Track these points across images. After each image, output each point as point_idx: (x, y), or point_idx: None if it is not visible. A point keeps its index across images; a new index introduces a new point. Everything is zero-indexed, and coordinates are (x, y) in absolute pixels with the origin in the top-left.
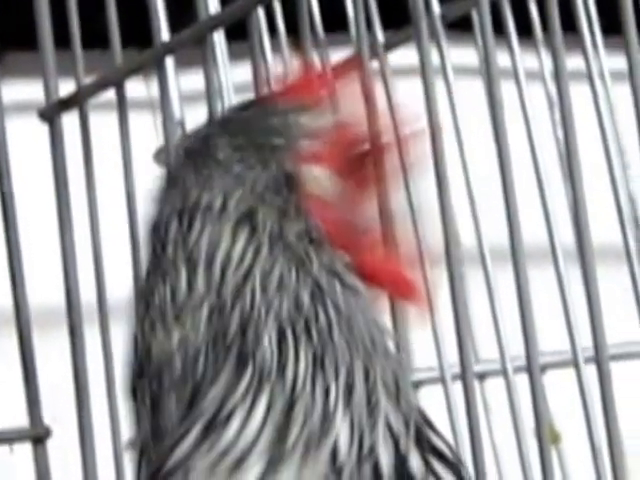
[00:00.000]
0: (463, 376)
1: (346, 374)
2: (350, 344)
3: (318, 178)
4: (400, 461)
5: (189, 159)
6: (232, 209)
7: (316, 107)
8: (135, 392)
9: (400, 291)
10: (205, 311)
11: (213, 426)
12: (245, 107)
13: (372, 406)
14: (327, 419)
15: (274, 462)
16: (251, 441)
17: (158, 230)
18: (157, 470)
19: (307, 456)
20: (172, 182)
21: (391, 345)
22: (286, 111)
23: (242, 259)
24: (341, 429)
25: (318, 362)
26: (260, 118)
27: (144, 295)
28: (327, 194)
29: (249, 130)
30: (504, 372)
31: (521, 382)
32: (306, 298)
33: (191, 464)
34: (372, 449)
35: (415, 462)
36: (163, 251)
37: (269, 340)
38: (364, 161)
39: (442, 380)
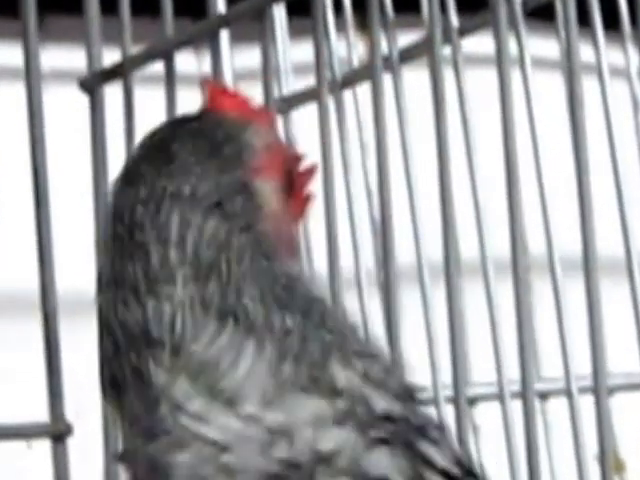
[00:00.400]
0: (523, 394)
1: (334, 323)
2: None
3: (265, 190)
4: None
5: (147, 158)
6: (201, 197)
7: (256, 125)
8: (114, 380)
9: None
10: (180, 280)
11: (200, 371)
12: (191, 118)
13: (367, 347)
14: (324, 355)
15: (271, 395)
16: (242, 378)
17: (121, 218)
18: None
19: (306, 388)
20: (131, 178)
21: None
22: (234, 124)
23: (215, 235)
24: (335, 369)
25: (304, 315)
26: (211, 129)
27: (113, 281)
28: (273, 205)
29: (201, 138)
30: (568, 392)
31: (586, 404)
32: (281, 280)
33: (182, 408)
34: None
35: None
36: (130, 236)
37: (251, 298)
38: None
39: (500, 397)
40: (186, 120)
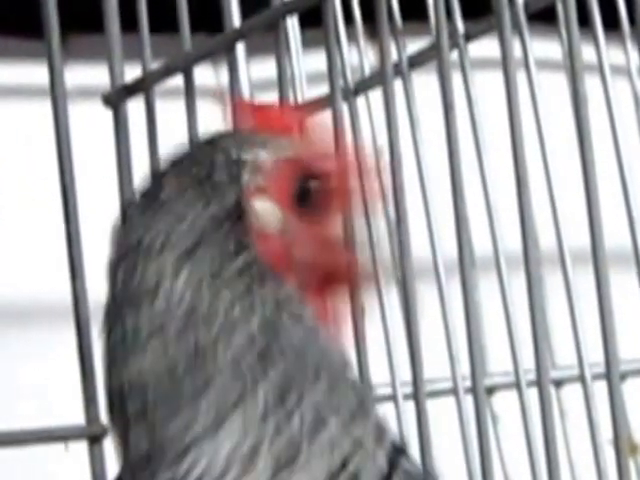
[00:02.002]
0: (539, 382)
1: (307, 403)
2: (306, 373)
3: (262, 211)
4: None
5: (140, 199)
6: (171, 248)
7: (270, 139)
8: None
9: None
10: (149, 352)
11: (180, 461)
12: (204, 142)
13: (342, 430)
14: (294, 445)
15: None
16: (220, 472)
17: (109, 274)
18: None
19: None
20: (124, 222)
21: (349, 369)
22: (234, 145)
23: (182, 299)
24: (310, 454)
25: (277, 392)
26: (207, 154)
27: (106, 334)
28: (271, 227)
29: (194, 167)
30: (582, 379)
31: (599, 390)
32: (255, 331)
33: None
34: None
35: None
36: (113, 298)
37: (221, 375)
38: (319, 196)
39: (517, 386)
40: (181, 155)
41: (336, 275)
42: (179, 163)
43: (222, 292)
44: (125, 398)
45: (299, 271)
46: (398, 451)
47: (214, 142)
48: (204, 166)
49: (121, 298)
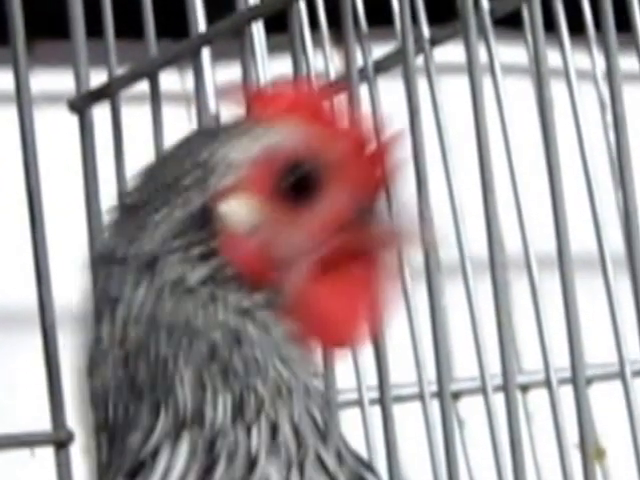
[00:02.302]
0: (505, 387)
1: (266, 414)
2: (267, 383)
3: (233, 213)
4: None
5: (116, 204)
6: (133, 258)
7: (254, 129)
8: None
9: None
10: (110, 363)
11: (136, 474)
12: (179, 143)
13: (300, 441)
14: (250, 460)
15: None
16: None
17: (86, 280)
18: None
19: None
20: (101, 246)
21: (312, 378)
22: (205, 145)
23: (142, 309)
24: (267, 468)
25: (236, 404)
26: (177, 156)
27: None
28: (245, 226)
29: (164, 170)
30: (548, 384)
31: (565, 395)
32: (217, 341)
33: None
34: None
35: None
36: (85, 302)
37: (182, 385)
38: (310, 182)
39: (483, 391)
40: (156, 158)
41: (346, 258)
42: (152, 167)
43: (184, 301)
44: (93, 406)
45: (290, 266)
46: (366, 467)
47: (186, 143)
48: (173, 169)
49: (88, 306)
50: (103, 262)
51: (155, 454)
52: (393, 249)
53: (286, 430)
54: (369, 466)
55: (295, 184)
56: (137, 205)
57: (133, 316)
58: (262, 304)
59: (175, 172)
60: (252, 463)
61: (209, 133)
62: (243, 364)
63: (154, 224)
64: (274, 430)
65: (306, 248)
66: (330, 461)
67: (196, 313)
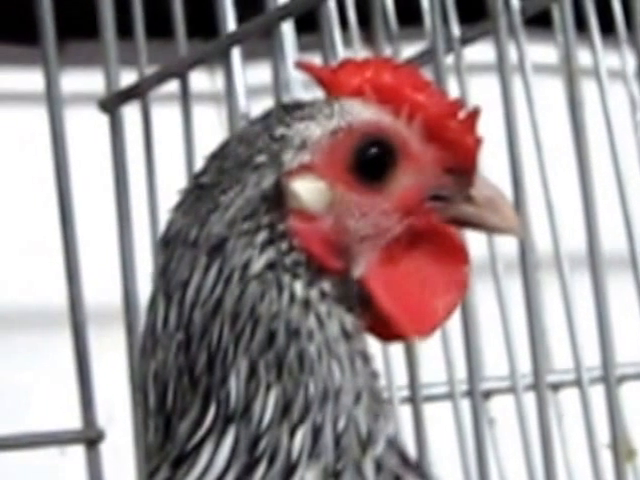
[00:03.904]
0: (536, 386)
1: (313, 418)
2: (318, 384)
3: (306, 191)
4: None
5: (190, 183)
6: (203, 241)
7: (330, 107)
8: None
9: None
10: (174, 347)
11: (180, 464)
12: (256, 119)
13: (340, 450)
14: (290, 465)
15: None
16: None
17: (155, 260)
18: None
19: None
20: (175, 208)
21: (371, 377)
22: (281, 121)
23: (212, 293)
24: (305, 476)
25: (285, 402)
26: (252, 133)
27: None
28: (316, 207)
29: (239, 148)
30: (579, 383)
31: (596, 394)
32: (278, 331)
33: None
34: None
35: None
36: (153, 282)
37: (237, 376)
38: (385, 161)
39: (514, 390)
40: (228, 139)
41: (422, 241)
42: (225, 145)
43: (250, 287)
44: (149, 387)
45: (362, 249)
46: (412, 468)
47: (261, 120)
48: (246, 147)
49: (157, 287)
50: (174, 244)
51: (199, 447)
52: (478, 230)
53: (328, 438)
54: (416, 467)
55: (370, 163)
56: (209, 185)
57: (201, 300)
58: (329, 292)
59: (248, 150)
60: (291, 468)
61: (286, 109)
62: (298, 359)
63: (224, 205)
64: (317, 435)
65: (379, 230)
66: (369, 472)
67: (260, 300)
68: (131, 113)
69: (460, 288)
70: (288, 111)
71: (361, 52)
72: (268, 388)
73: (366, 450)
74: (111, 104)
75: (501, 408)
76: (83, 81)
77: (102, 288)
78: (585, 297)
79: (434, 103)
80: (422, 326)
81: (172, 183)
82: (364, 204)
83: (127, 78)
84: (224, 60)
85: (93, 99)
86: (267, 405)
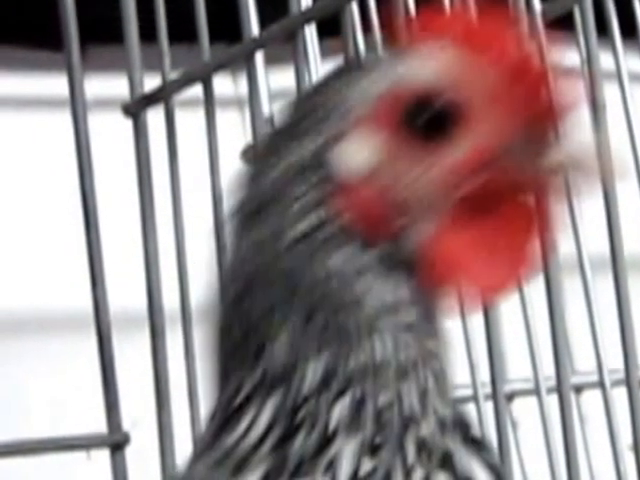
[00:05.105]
0: (559, 388)
1: (353, 391)
2: (359, 357)
3: (354, 153)
4: None
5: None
6: (245, 205)
7: (393, 60)
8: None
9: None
10: (232, 296)
11: (229, 418)
12: (322, 79)
13: (381, 425)
14: (327, 436)
15: (272, 471)
16: (254, 445)
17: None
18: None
19: (300, 472)
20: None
21: (430, 354)
22: (336, 80)
23: (257, 254)
24: (341, 449)
25: (326, 373)
26: (311, 95)
27: None
28: (365, 169)
29: (294, 112)
30: (602, 385)
31: (619, 396)
32: (321, 300)
33: (199, 462)
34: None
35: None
36: (242, 229)
37: (280, 341)
38: (446, 118)
39: (537, 392)
40: (291, 104)
41: (487, 202)
42: (287, 110)
43: (291, 253)
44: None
45: (417, 214)
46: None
47: (324, 80)
48: (301, 110)
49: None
50: (236, 214)
51: (240, 411)
52: (556, 190)
53: (368, 412)
54: (479, 444)
55: (428, 120)
56: (267, 147)
57: (245, 264)
58: (374, 263)
59: (302, 112)
60: (328, 440)
61: (345, 68)
62: (339, 331)
63: (273, 167)
64: (356, 409)
65: (438, 193)
66: (411, 449)
67: (302, 266)
68: (155, 117)
69: (528, 259)
70: (346, 69)
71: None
72: (310, 357)
73: (409, 427)
74: (135, 108)
75: (524, 410)
76: (107, 86)
77: (127, 292)
78: (607, 299)
79: (513, 53)
80: (482, 298)
81: (195, 187)
82: (420, 165)
83: (151, 82)
84: (247, 64)
85: (117, 104)
86: (308, 374)
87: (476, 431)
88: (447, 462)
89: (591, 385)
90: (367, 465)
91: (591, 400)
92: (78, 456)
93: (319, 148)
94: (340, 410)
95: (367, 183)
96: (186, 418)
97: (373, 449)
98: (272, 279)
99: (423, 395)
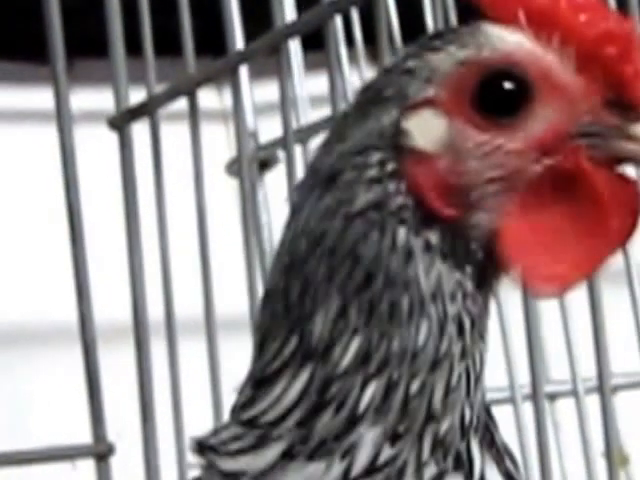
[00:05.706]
0: (534, 397)
1: (388, 374)
2: (402, 340)
3: (425, 127)
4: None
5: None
6: (322, 169)
7: (470, 36)
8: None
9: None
10: (279, 268)
11: (259, 388)
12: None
13: (406, 414)
14: (354, 417)
15: (293, 447)
16: (281, 415)
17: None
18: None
19: (320, 453)
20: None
21: (472, 351)
22: (413, 53)
23: (318, 224)
24: (365, 433)
25: (367, 351)
26: (393, 66)
27: None
28: (435, 145)
29: (376, 82)
30: (575, 393)
31: (592, 403)
32: (375, 276)
33: (231, 422)
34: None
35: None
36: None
37: (325, 314)
38: (516, 97)
39: (512, 400)
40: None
41: (559, 186)
42: (374, 77)
43: (353, 224)
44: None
45: (484, 195)
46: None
47: (409, 50)
48: (382, 79)
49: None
50: (307, 171)
51: (276, 376)
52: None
53: (398, 397)
54: (500, 450)
55: (499, 98)
56: (345, 117)
57: (308, 229)
58: (435, 244)
59: (381, 82)
60: (354, 421)
61: (427, 39)
62: (389, 309)
63: (345, 138)
64: (388, 392)
65: (509, 173)
66: (426, 445)
67: (361, 240)
68: (140, 131)
69: (606, 245)
70: (426, 41)
71: (367, 69)
72: (354, 332)
73: (429, 421)
74: (120, 122)
75: (500, 418)
76: (92, 99)
77: (112, 304)
78: (581, 308)
79: (591, 27)
80: (552, 286)
81: (180, 200)
82: (491, 143)
83: (136, 96)
84: (232, 78)
85: (102, 117)
86: (348, 350)
87: (502, 439)
88: (463, 465)
89: (565, 393)
90: (386, 453)
91: (564, 408)
92: (63, 466)
93: (394, 120)
94: (373, 391)
95: (439, 157)
96: (170, 429)
97: (394, 438)
98: (334, 246)
99: (448, 392)
